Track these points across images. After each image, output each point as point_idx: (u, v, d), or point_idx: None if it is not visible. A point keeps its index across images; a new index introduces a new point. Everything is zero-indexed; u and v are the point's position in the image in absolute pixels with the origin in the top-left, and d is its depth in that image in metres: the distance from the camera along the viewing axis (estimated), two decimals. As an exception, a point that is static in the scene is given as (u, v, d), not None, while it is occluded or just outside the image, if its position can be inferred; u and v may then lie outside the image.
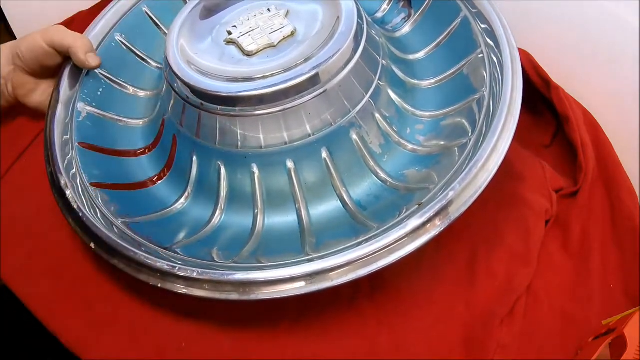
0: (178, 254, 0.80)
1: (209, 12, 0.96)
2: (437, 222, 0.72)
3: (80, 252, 0.91)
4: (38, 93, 1.02)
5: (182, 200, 0.92)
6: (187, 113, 0.87)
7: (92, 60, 0.97)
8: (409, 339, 0.83)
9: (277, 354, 0.83)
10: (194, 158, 0.90)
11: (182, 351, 0.83)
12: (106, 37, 1.06)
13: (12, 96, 1.02)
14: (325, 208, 0.87)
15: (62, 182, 0.86)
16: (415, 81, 0.97)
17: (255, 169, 0.86)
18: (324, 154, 0.85)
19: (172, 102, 0.91)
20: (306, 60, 0.82)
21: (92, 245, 0.80)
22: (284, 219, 0.88)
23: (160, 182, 0.96)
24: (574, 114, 0.95)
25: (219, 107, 0.83)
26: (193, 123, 0.87)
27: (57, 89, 0.97)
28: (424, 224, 0.72)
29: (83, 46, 0.96)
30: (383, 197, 0.87)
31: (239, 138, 0.84)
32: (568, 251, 0.90)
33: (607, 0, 0.93)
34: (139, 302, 0.87)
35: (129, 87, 1.06)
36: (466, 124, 0.87)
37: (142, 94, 1.07)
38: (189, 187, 0.92)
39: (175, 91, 0.88)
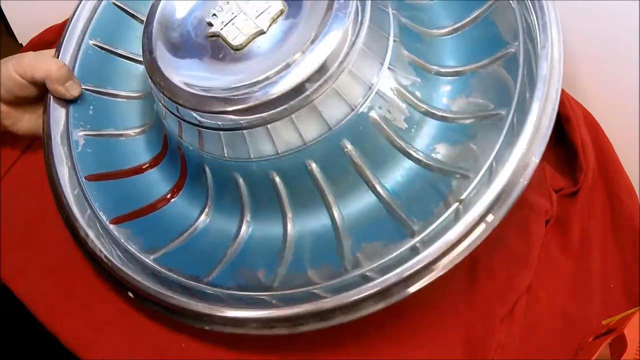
0: (220, 286, 0.79)
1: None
2: (485, 222, 0.68)
3: (80, 252, 0.88)
4: (24, 121, 0.96)
5: (204, 216, 0.87)
6: (185, 130, 0.81)
7: (72, 89, 0.92)
8: (409, 338, 0.83)
9: (277, 355, 0.82)
10: (206, 170, 0.84)
11: (182, 351, 0.83)
12: (81, 46, 0.98)
13: (1, 127, 0.95)
14: (358, 205, 0.80)
15: (82, 233, 0.83)
16: (434, 30, 0.87)
17: (275, 176, 0.79)
18: (348, 146, 0.77)
19: (166, 117, 0.85)
20: (307, 47, 0.71)
21: (131, 294, 0.80)
22: (316, 223, 0.82)
23: (176, 198, 0.91)
24: (574, 114, 0.94)
25: (219, 122, 0.75)
26: (194, 139, 0.81)
27: (46, 124, 0.92)
28: (472, 227, 0.67)
29: (59, 77, 0.90)
30: (417, 181, 0.80)
31: (250, 150, 0.77)
32: (568, 251, 0.89)
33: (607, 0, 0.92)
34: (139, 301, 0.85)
35: (119, 93, 0.99)
36: (499, 87, 0.80)
37: (135, 95, 1.00)
38: (208, 201, 0.87)
39: (167, 109, 0.82)
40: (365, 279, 0.70)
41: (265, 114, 0.72)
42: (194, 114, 0.76)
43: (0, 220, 0.97)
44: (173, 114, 0.80)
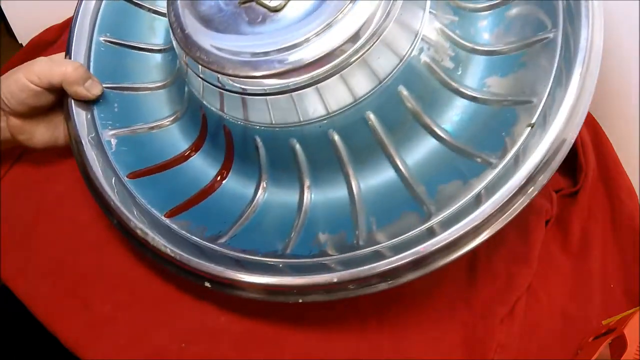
0: (301, 256, 0.77)
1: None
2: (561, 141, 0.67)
3: (80, 252, 0.90)
4: (40, 133, 0.90)
5: (261, 191, 0.84)
6: (228, 102, 0.78)
7: (93, 88, 0.87)
8: (409, 338, 0.82)
9: (277, 354, 0.82)
10: (257, 141, 0.80)
11: (182, 351, 0.82)
12: (91, 44, 0.94)
13: (13, 141, 0.90)
14: (421, 151, 0.77)
15: (140, 232, 0.80)
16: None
17: (334, 134, 0.76)
18: (404, 92, 0.74)
19: (204, 95, 0.82)
20: (346, 7, 0.69)
21: (208, 284, 0.77)
22: (381, 179, 0.79)
23: (227, 179, 0.87)
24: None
25: (266, 87, 0.72)
26: (238, 110, 0.78)
27: (73, 129, 0.87)
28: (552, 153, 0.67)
29: (77, 77, 0.85)
30: (477, 117, 0.77)
31: (300, 112, 0.75)
32: (568, 251, 0.89)
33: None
34: (139, 302, 0.86)
35: (141, 86, 0.95)
36: (539, 13, 0.78)
37: (157, 85, 0.96)
38: (262, 174, 0.84)
39: (208, 83, 0.77)
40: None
41: (314, 72, 0.70)
42: (238, 84, 0.74)
43: (0, 220, 0.96)
44: (214, 86, 0.77)
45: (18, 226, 0.96)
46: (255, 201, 0.84)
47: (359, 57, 0.70)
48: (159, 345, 0.84)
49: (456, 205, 0.70)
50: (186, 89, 0.87)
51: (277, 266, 0.74)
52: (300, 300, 0.70)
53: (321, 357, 0.82)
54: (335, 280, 0.68)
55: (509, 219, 0.66)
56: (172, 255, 0.77)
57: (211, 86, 0.77)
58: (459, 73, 0.79)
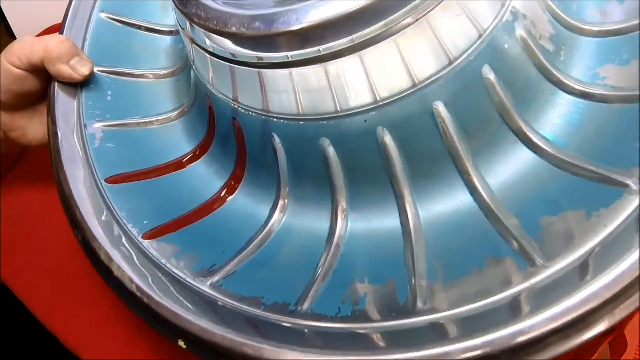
0: (324, 317, 0.36)
1: None
2: None
3: (80, 252, 0.57)
4: (34, 129, 0.56)
5: (278, 213, 0.43)
6: (241, 81, 0.39)
7: (81, 67, 0.50)
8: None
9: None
10: (276, 143, 0.40)
11: (182, 351, 0.57)
12: (90, 22, 0.54)
13: (7, 140, 0.58)
14: (512, 166, 0.37)
15: (104, 255, 0.41)
16: None
17: (385, 135, 0.37)
18: (489, 76, 0.35)
19: (214, 82, 0.42)
20: None
21: (182, 344, 0.37)
22: (446, 207, 0.38)
23: (235, 194, 0.45)
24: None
25: (290, 54, 0.35)
26: (256, 93, 0.39)
27: (52, 118, 0.50)
28: None
29: (60, 53, 0.49)
30: (588, 120, 0.37)
31: (338, 98, 0.36)
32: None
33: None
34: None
35: (145, 73, 0.54)
36: None
37: (163, 73, 0.54)
38: (281, 191, 0.42)
39: (221, 59, 0.39)
40: None
41: (355, 35, 0.33)
42: (252, 47, 0.36)
43: (0, 220, 0.71)
44: (222, 59, 0.39)
45: (18, 226, 0.72)
46: (269, 225, 0.42)
47: (424, 14, 0.33)
48: (159, 345, 0.62)
49: (579, 253, 0.31)
50: (192, 74, 0.47)
51: (286, 329, 0.35)
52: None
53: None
54: None
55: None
56: (139, 295, 0.38)
57: (218, 61, 0.39)
58: (562, 59, 0.38)
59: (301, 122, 0.37)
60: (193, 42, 0.41)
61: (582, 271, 0.30)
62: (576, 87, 0.38)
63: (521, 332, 0.28)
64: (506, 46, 0.36)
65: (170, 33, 0.57)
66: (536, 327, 0.28)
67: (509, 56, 0.36)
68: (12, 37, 0.98)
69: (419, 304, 0.33)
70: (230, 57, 0.38)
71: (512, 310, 0.31)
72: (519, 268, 0.32)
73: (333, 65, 0.35)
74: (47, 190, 0.67)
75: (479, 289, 0.32)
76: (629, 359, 0.52)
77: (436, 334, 0.31)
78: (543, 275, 0.31)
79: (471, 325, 0.31)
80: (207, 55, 0.40)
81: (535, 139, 0.36)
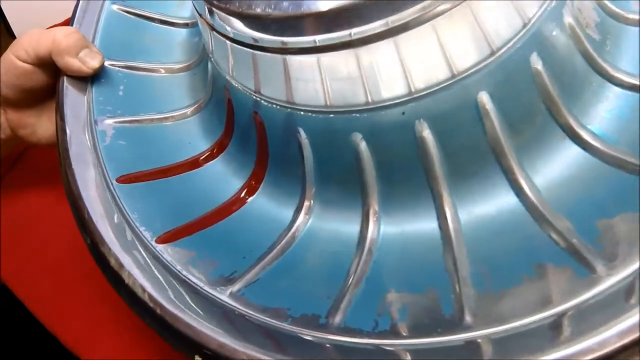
0: (358, 331, 0.30)
1: None
2: None
3: (80, 252, 0.54)
4: (44, 126, 0.50)
5: (303, 215, 0.36)
6: (264, 69, 0.34)
7: (90, 59, 0.43)
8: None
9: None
10: (301, 138, 0.34)
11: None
12: (101, 14, 0.48)
13: (16, 139, 0.52)
14: (558, 164, 0.32)
15: (114, 261, 0.35)
16: None
17: (424, 129, 0.31)
18: (537, 65, 0.30)
19: (234, 69, 0.37)
20: None
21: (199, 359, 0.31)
22: (488, 208, 0.32)
23: (255, 195, 0.39)
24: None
25: (317, 38, 0.29)
26: (279, 83, 0.33)
27: (60, 114, 0.43)
28: None
29: (69, 45, 0.43)
30: (636, 114, 0.31)
31: (368, 87, 0.30)
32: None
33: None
34: None
35: (158, 67, 0.48)
36: None
37: (178, 67, 0.48)
38: (306, 191, 0.36)
39: (232, 41, 0.34)
40: None
41: (389, 18, 0.27)
42: (275, 28, 0.31)
43: (0, 220, 0.66)
44: (243, 44, 0.33)
45: (18, 226, 0.67)
46: (293, 228, 0.36)
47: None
48: (158, 345, 0.57)
49: None
50: (209, 66, 0.41)
51: (317, 345, 0.29)
52: None
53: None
54: None
55: None
56: (151, 305, 0.32)
57: (239, 48, 0.33)
58: (608, 49, 0.33)
59: (331, 115, 0.32)
60: (212, 29, 0.35)
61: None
62: (625, 79, 0.32)
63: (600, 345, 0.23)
64: (554, 33, 0.31)
65: (185, 25, 0.51)
66: (608, 343, 0.23)
67: (556, 45, 0.31)
68: (12, 37, 0.92)
69: (467, 317, 0.28)
70: (252, 42, 0.32)
71: (576, 322, 0.25)
72: (579, 275, 0.27)
73: (365, 52, 0.29)
74: (47, 190, 0.63)
75: (535, 299, 0.27)
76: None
77: (490, 351, 0.26)
78: (607, 284, 0.26)
79: (532, 340, 0.25)
80: (227, 42, 0.34)
81: (584, 135, 0.31)
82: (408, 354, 0.27)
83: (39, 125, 0.50)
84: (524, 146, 0.31)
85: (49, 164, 0.64)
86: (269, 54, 0.32)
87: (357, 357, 0.28)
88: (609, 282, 0.26)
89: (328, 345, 0.28)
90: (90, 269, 0.60)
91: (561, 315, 0.26)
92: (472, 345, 0.27)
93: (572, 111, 0.31)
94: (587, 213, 0.29)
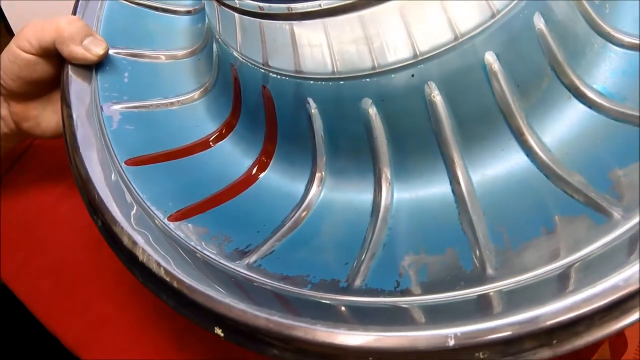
0: (380, 292, 0.30)
1: None
2: None
3: (80, 252, 0.61)
4: (47, 118, 0.49)
5: (315, 187, 0.35)
6: (272, 38, 0.33)
7: (94, 46, 0.42)
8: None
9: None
10: (311, 108, 0.34)
11: (182, 351, 0.56)
12: (103, 4, 0.47)
13: (20, 133, 0.51)
14: (563, 122, 0.32)
15: (127, 239, 0.34)
16: None
17: (433, 90, 0.30)
18: (540, 24, 0.30)
19: (243, 46, 0.36)
20: None
21: (219, 331, 0.30)
22: (496, 170, 0.32)
23: (266, 171, 0.38)
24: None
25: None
26: (286, 56, 0.33)
27: (66, 101, 0.42)
28: None
29: (72, 33, 0.42)
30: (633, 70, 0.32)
31: (374, 52, 0.30)
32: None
33: None
34: (139, 302, 0.59)
35: (161, 54, 0.47)
36: None
37: (182, 53, 0.47)
38: (317, 162, 0.36)
39: (240, 12, 0.34)
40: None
41: None
42: (285, 4, 0.31)
43: (0, 220, 0.65)
44: (251, 14, 0.33)
45: (18, 226, 0.66)
46: (306, 201, 0.35)
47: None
48: (159, 345, 0.57)
49: None
50: (215, 48, 0.41)
51: (338, 308, 0.28)
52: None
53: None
54: (451, 343, 0.23)
55: None
56: (168, 280, 0.31)
57: (247, 18, 0.33)
58: (607, 11, 0.33)
59: (341, 82, 0.31)
60: (220, 3, 0.34)
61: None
62: (625, 39, 0.32)
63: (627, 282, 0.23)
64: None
65: (186, 13, 0.50)
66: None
67: (558, 6, 0.31)
68: (12, 37, 0.88)
69: (489, 270, 0.27)
70: (258, 10, 0.32)
71: (603, 262, 0.25)
72: (597, 223, 0.27)
73: (369, 14, 0.29)
74: (47, 190, 0.62)
75: (555, 248, 0.27)
76: (629, 359, 0.50)
77: (516, 299, 0.25)
78: (624, 228, 0.26)
79: (557, 285, 0.25)
80: (235, 15, 0.34)
81: (589, 94, 0.31)
82: (421, 311, 0.27)
83: (42, 117, 0.49)
84: (531, 107, 0.31)
85: (49, 163, 0.66)
86: (276, 22, 0.32)
87: (375, 316, 0.28)
88: (626, 225, 0.26)
89: (346, 306, 0.28)
90: (90, 269, 0.60)
91: (586, 258, 0.26)
92: (484, 299, 0.26)
93: (577, 71, 0.31)
94: (598, 166, 0.29)
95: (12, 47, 0.44)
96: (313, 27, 0.31)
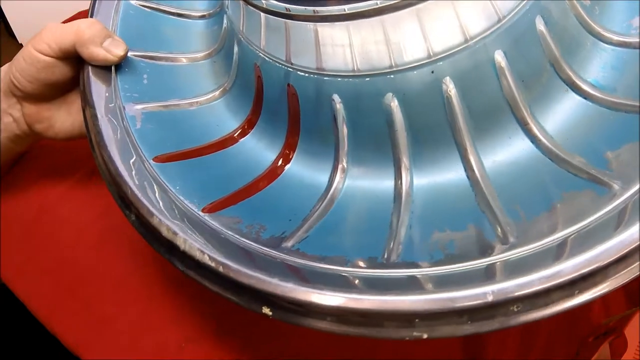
0: (417, 263, 0.32)
1: None
2: None
3: (80, 252, 0.60)
4: (60, 120, 0.49)
5: (338, 177, 0.37)
6: (295, 39, 0.36)
7: (115, 48, 0.43)
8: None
9: (277, 354, 0.54)
10: (336, 103, 0.36)
11: (182, 351, 0.56)
12: (119, 9, 0.47)
13: (33, 135, 0.50)
14: (561, 114, 0.35)
15: (166, 231, 0.34)
16: None
17: (449, 84, 0.33)
18: (540, 26, 0.33)
19: (265, 41, 0.38)
20: None
21: (268, 310, 0.31)
22: (503, 156, 0.35)
23: (290, 163, 0.40)
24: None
25: (346, 7, 0.32)
26: (309, 54, 0.35)
27: (88, 102, 0.42)
28: None
29: (93, 35, 0.42)
30: (629, 67, 0.35)
31: (391, 52, 0.33)
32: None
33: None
34: (139, 302, 0.59)
35: (179, 56, 0.48)
36: None
37: (199, 56, 0.48)
38: (339, 153, 0.37)
39: (267, 13, 0.36)
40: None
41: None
42: (311, 7, 0.33)
43: (0, 220, 0.64)
44: (278, 15, 0.35)
45: (18, 226, 0.65)
46: (332, 190, 0.37)
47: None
48: (159, 345, 0.57)
49: None
50: (236, 48, 0.42)
51: (385, 279, 0.30)
52: (426, 336, 0.27)
53: (321, 357, 0.52)
54: (490, 298, 0.26)
55: None
56: (213, 265, 0.32)
57: (273, 18, 0.35)
58: (597, 13, 0.36)
59: (366, 79, 0.33)
60: (247, 2, 0.36)
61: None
62: (614, 37, 0.36)
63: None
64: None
65: (201, 17, 0.51)
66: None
67: (555, 10, 0.34)
68: (12, 37, 0.92)
69: (511, 239, 0.30)
70: (285, 11, 0.34)
71: (609, 226, 0.28)
72: (600, 194, 0.30)
73: (389, 18, 0.32)
74: (47, 190, 0.61)
75: (568, 217, 0.30)
76: (629, 359, 0.50)
77: (539, 259, 0.28)
78: (624, 196, 0.29)
79: (572, 245, 0.28)
80: (261, 14, 0.36)
81: (584, 86, 0.34)
82: (459, 276, 0.29)
83: (56, 118, 0.48)
84: (534, 99, 0.34)
85: (50, 164, 0.65)
86: (301, 23, 0.34)
87: (432, 282, 0.29)
88: (626, 194, 0.29)
89: (391, 279, 0.30)
90: (90, 269, 0.59)
91: (598, 221, 0.29)
92: (512, 262, 0.29)
93: (572, 67, 0.35)
94: (595, 148, 0.33)
95: (30, 49, 0.43)
96: (337, 28, 0.33)
